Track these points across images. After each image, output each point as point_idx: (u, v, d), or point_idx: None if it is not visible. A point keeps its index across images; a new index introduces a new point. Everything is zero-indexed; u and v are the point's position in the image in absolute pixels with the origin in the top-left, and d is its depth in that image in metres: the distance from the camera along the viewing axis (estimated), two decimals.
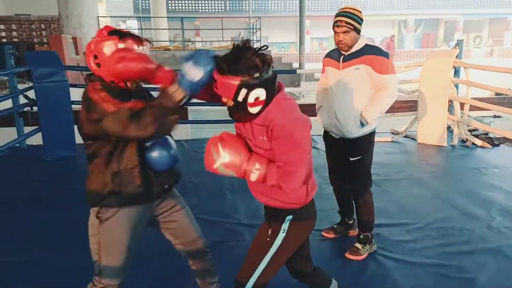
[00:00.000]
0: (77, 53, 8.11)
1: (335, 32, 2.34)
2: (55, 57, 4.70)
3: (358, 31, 2.32)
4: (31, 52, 4.81)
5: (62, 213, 3.26)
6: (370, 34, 30.30)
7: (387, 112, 2.60)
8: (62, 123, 4.70)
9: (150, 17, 20.11)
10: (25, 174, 4.30)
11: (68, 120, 4.78)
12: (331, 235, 2.80)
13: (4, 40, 8.40)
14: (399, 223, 3.02)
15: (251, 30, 13.54)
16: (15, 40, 8.43)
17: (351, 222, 2.79)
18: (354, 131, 2.40)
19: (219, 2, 26.12)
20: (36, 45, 7.87)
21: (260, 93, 1.37)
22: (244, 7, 25.87)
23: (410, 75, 6.14)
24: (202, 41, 20.70)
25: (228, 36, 20.11)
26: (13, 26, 8.71)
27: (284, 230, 1.59)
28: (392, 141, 5.55)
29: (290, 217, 1.60)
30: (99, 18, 9.08)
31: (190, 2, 25.74)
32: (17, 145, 5.05)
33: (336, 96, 2.44)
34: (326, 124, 2.53)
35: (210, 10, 25.76)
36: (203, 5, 25.91)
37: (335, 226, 2.83)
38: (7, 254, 2.64)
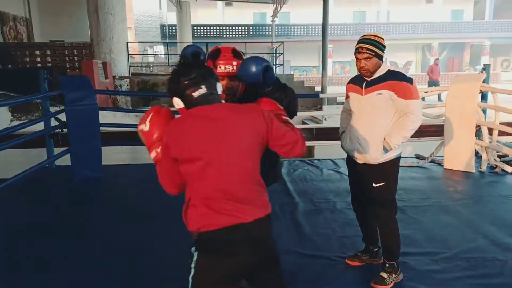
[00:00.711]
0: (106, 77, 8.43)
1: (357, 59, 2.37)
2: (87, 82, 4.90)
3: (380, 57, 2.33)
4: (65, 76, 5.02)
5: (88, 234, 3.33)
6: (394, 58, 30.26)
7: (412, 136, 2.58)
8: (91, 145, 4.85)
9: (176, 42, 20.83)
10: (54, 194, 4.43)
11: (97, 142, 4.93)
12: (356, 263, 2.73)
13: (39, 65, 8.84)
14: (427, 252, 2.92)
15: (274, 54, 13.72)
16: (49, 65, 8.86)
17: (376, 250, 2.72)
18: (377, 157, 2.38)
19: (243, 28, 26.77)
20: (68, 70, 8.23)
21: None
22: (267, 32, 26.42)
23: (434, 99, 6.06)
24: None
25: None
26: (48, 52, 9.16)
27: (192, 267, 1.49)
28: (417, 166, 5.44)
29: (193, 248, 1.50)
30: (128, 43, 9.42)
31: (214, 28, 26.50)
32: (47, 165, 5.23)
33: (359, 121, 2.45)
34: (349, 148, 2.52)
35: (234, 35, 26.40)
36: (228, 30, 26.60)
37: (359, 254, 2.76)
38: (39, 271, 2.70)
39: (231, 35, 26.34)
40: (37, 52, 9.01)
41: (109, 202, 4.21)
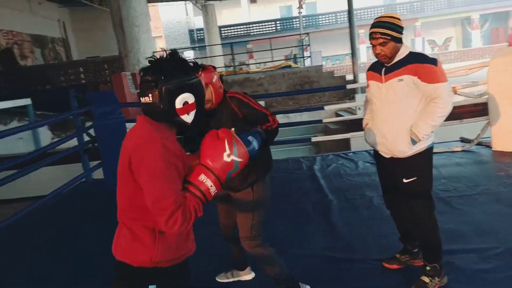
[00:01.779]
0: (136, 88, 8.59)
1: (372, 45, 2.15)
2: (112, 96, 4.96)
3: (397, 40, 2.10)
4: (91, 93, 5.12)
5: None
6: (432, 36, 28.81)
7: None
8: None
9: (205, 46, 21.00)
10: (89, 206, 4.51)
11: None
12: (394, 266, 2.50)
13: (73, 82, 9.18)
14: (476, 248, 2.63)
15: (301, 46, 13.43)
16: (83, 81, 9.16)
17: (416, 250, 2.48)
18: (405, 150, 2.15)
19: (270, 23, 26.53)
20: (101, 84, 8.47)
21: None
22: (295, 25, 26.01)
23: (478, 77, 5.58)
24: (256, 63, 21.04)
25: (281, 54, 20.29)
26: (81, 69, 9.47)
27: None
28: (462, 151, 5.03)
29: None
30: (155, 52, 9.52)
31: (241, 27, 26.47)
32: (84, 179, 5.37)
33: (381, 112, 2.23)
34: (373, 142, 2.31)
35: (262, 32, 26.24)
36: (255, 28, 26.48)
37: (398, 256, 2.53)
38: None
39: (258, 32, 26.19)
40: (70, 71, 9.34)
41: None
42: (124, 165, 1.25)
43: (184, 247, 1.36)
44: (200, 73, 1.36)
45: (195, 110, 1.32)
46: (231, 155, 1.28)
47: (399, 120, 2.16)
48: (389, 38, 2.09)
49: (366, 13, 26.52)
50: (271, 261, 2.13)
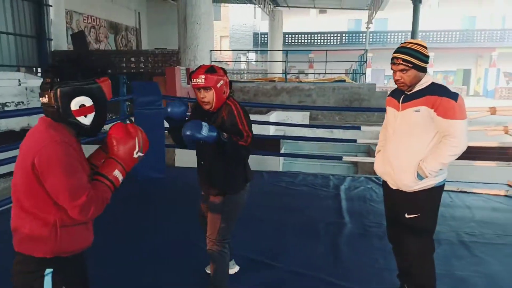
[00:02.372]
0: (188, 83, 8.91)
1: (393, 70, 2.07)
2: (155, 88, 5.19)
3: (420, 69, 2.01)
4: (136, 82, 5.39)
5: (147, 232, 3.48)
6: (508, 68, 26.83)
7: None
8: (155, 147, 5.10)
9: (266, 50, 21.26)
10: (121, 191, 4.75)
11: (161, 145, 5.19)
12: None
13: (133, 70, 9.73)
14: None
15: (360, 62, 13.13)
16: (141, 70, 9.69)
17: None
18: (411, 184, 2.05)
19: (335, 35, 26.21)
20: (155, 75, 8.89)
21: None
22: (361, 40, 25.48)
23: None
24: (315, 73, 20.90)
25: (342, 68, 19.97)
26: (141, 59, 10.01)
27: None
28: (506, 195, 4.64)
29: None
30: (212, 51, 9.83)
31: (305, 35, 26.42)
32: None
33: (393, 140, 2.14)
34: (380, 171, 2.22)
35: (325, 43, 26.01)
36: (319, 38, 26.31)
37: None
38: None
39: (322, 43, 25.98)
40: (132, 59, 9.90)
41: (169, 201, 4.37)
42: (26, 166, 1.30)
43: (84, 240, 1.45)
44: (103, 79, 1.40)
45: (93, 113, 1.38)
46: (138, 152, 1.45)
47: (408, 153, 2.07)
48: (411, 65, 2.01)
49: (439, 36, 25.32)
50: (221, 266, 2.23)
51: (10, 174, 7.93)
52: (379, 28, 26.71)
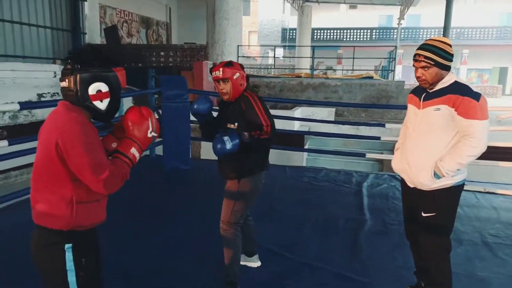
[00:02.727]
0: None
1: (415, 67, 2.07)
2: (183, 82, 5.32)
3: (442, 67, 1.99)
4: (164, 76, 5.54)
5: (169, 222, 3.62)
6: None
7: None
8: (181, 139, 5.25)
9: (294, 46, 21.17)
10: (146, 179, 4.92)
11: (186, 137, 5.33)
12: None
13: (162, 64, 9.95)
14: None
15: (389, 59, 12.88)
16: (170, 64, 9.89)
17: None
18: (427, 183, 2.04)
19: (365, 31, 25.75)
20: (183, 70, 9.06)
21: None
22: (392, 36, 24.93)
23: None
24: (343, 69, 20.64)
25: (371, 64, 19.63)
26: (170, 53, 10.22)
27: None
28: None
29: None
30: (239, 46, 9.92)
31: (334, 31, 26.08)
32: (148, 153, 5.89)
33: (412, 138, 2.14)
34: (398, 168, 2.23)
35: (355, 39, 25.59)
36: (348, 34, 25.91)
37: None
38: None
39: (352, 39, 25.58)
40: (162, 53, 10.12)
41: (192, 193, 4.50)
42: (49, 146, 1.41)
43: (98, 216, 1.56)
44: (119, 68, 1.52)
45: (109, 99, 1.50)
46: (152, 131, 1.56)
47: (427, 151, 2.06)
48: (433, 63, 1.99)
49: (474, 33, 24.41)
50: (232, 250, 2.32)
51: None
52: (411, 24, 26.02)
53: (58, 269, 1.46)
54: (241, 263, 2.71)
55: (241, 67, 2.33)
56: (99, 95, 1.47)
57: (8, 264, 2.71)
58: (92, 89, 1.45)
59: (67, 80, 1.44)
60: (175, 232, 3.37)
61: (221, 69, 2.24)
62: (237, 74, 2.26)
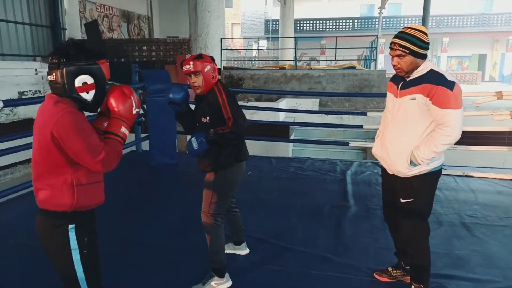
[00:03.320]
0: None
1: (391, 56, 2.14)
2: (166, 76, 5.34)
3: (417, 55, 2.04)
4: (147, 70, 5.54)
5: (160, 214, 3.67)
6: None
7: None
8: (167, 134, 5.28)
9: (276, 37, 21.18)
10: (134, 175, 4.94)
11: (172, 131, 5.36)
12: (384, 279, 2.51)
13: (145, 59, 9.88)
14: (477, 278, 2.53)
15: (371, 48, 13.03)
16: (153, 59, 9.83)
17: (408, 267, 2.46)
18: (404, 171, 2.13)
19: (347, 21, 25.90)
20: (166, 63, 9.02)
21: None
22: (374, 25, 25.12)
23: None
24: (326, 60, 20.76)
25: (354, 54, 19.78)
26: (153, 47, 10.14)
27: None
28: None
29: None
30: (223, 39, 9.90)
31: (317, 22, 26.16)
32: (134, 149, 5.89)
33: (390, 126, 2.22)
34: (377, 155, 2.32)
35: (337, 29, 25.72)
36: (331, 24, 26.02)
37: (390, 269, 2.52)
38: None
39: (334, 29, 25.70)
40: (144, 48, 10.04)
41: (179, 186, 4.55)
42: (44, 138, 1.50)
43: (97, 197, 1.67)
44: (102, 61, 1.60)
45: (94, 90, 1.58)
46: (135, 108, 1.67)
47: (403, 140, 2.13)
48: (407, 51, 2.03)
49: (454, 20, 24.79)
50: (213, 238, 2.38)
51: (29, 160, 8.25)
52: (393, 13, 26.27)
53: (64, 248, 1.57)
54: (230, 251, 2.81)
55: (212, 59, 2.36)
56: (85, 87, 1.54)
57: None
58: (78, 81, 1.53)
59: (54, 73, 1.52)
60: (164, 225, 3.43)
61: (191, 62, 2.26)
62: (208, 67, 2.28)
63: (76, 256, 1.59)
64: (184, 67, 2.29)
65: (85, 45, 1.58)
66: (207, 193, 2.38)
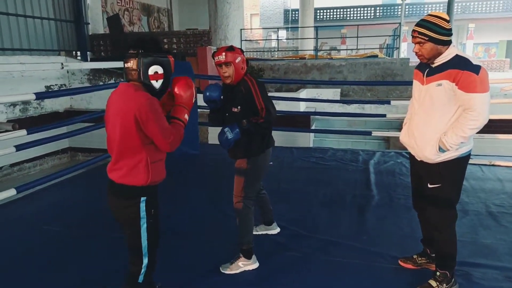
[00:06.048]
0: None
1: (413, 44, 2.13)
2: (188, 67, 5.39)
3: (438, 42, 2.02)
4: None
5: (187, 201, 3.76)
6: None
7: None
8: (189, 125, 5.34)
9: (298, 27, 20.96)
10: None
11: (195, 122, 5.43)
12: (409, 266, 2.51)
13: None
14: (503, 266, 2.51)
15: (393, 36, 12.76)
16: (174, 51, 9.91)
17: (434, 255, 2.45)
18: (432, 157, 2.12)
19: (369, 9, 25.36)
20: (187, 56, 9.08)
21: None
22: (397, 13, 24.52)
23: None
24: (347, 49, 20.47)
25: (376, 43, 19.41)
26: (174, 40, 10.23)
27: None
28: None
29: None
30: (242, 30, 9.90)
31: (337, 10, 25.72)
32: None
33: (417, 114, 2.21)
34: (405, 143, 2.31)
35: (359, 18, 25.23)
36: (352, 12, 25.54)
37: (415, 257, 2.53)
38: None
39: (355, 17, 25.22)
40: (165, 40, 10.14)
41: (202, 176, 4.63)
42: (127, 119, 1.74)
43: (163, 173, 1.95)
44: (170, 56, 1.85)
45: (162, 79, 1.84)
46: (194, 98, 1.98)
47: (431, 127, 2.12)
48: (427, 38, 2.03)
49: (480, 6, 23.92)
50: (244, 220, 2.49)
51: (56, 152, 8.51)
52: (416, 0, 25.56)
53: (136, 218, 1.84)
54: (262, 232, 2.97)
55: (242, 51, 2.47)
56: (156, 76, 1.80)
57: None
58: (151, 70, 1.78)
59: (131, 61, 1.77)
60: (191, 211, 3.51)
61: (223, 53, 2.37)
62: (239, 58, 2.39)
63: (143, 226, 1.85)
64: (216, 58, 2.39)
65: (159, 41, 1.87)
66: (239, 178, 2.49)
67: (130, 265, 1.92)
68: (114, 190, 1.86)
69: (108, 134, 1.85)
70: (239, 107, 2.41)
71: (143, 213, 1.84)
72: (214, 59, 2.41)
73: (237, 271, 2.51)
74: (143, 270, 1.91)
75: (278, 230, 3.03)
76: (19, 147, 3.61)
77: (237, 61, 2.38)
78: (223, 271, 2.51)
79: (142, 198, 1.84)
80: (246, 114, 2.37)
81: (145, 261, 1.90)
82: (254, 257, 2.56)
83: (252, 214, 2.54)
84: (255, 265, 2.55)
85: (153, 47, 1.81)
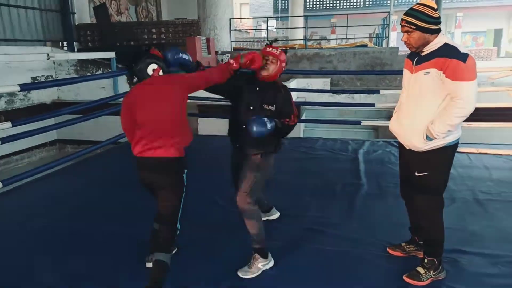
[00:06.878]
0: (209, 53, 8.97)
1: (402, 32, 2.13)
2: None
3: (426, 31, 2.03)
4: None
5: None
6: None
7: None
8: None
9: (287, 16, 20.84)
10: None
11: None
12: (397, 253, 2.55)
13: (154, 41, 9.85)
14: (489, 253, 2.55)
15: (384, 25, 12.77)
16: (163, 41, 9.79)
17: (422, 242, 2.49)
18: (420, 145, 2.14)
19: None
20: (176, 46, 8.99)
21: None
22: (386, 2, 24.48)
23: None
24: (337, 39, 20.44)
25: (366, 32, 19.39)
26: (162, 29, 10.10)
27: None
28: None
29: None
30: (231, 19, 9.82)
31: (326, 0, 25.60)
32: None
33: (406, 102, 2.23)
34: (394, 131, 2.33)
35: (348, 7, 25.15)
36: (341, 2, 25.45)
37: (403, 244, 2.57)
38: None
39: (345, 6, 25.14)
40: (153, 30, 10.00)
41: (194, 167, 4.60)
42: (181, 99, 2.18)
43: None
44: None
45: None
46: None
47: (419, 115, 2.13)
48: (414, 27, 2.03)
49: None
50: (254, 219, 2.41)
51: (44, 144, 8.40)
52: None
53: (181, 185, 2.24)
54: (263, 219, 2.82)
55: (285, 52, 2.50)
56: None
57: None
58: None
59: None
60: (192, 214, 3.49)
61: (279, 50, 2.41)
62: (284, 63, 2.44)
63: (183, 192, 2.25)
64: (270, 48, 2.40)
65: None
66: (250, 174, 2.38)
67: (164, 233, 2.23)
68: (163, 166, 2.15)
69: (150, 119, 2.11)
70: (274, 106, 2.36)
71: (185, 181, 2.25)
72: (267, 49, 2.39)
73: (259, 273, 2.39)
74: (178, 232, 2.33)
75: (278, 214, 3.09)
76: (4, 140, 3.54)
77: (283, 64, 2.41)
78: (243, 277, 2.36)
79: (185, 170, 2.25)
80: (277, 114, 2.34)
81: (179, 225, 2.31)
82: (269, 255, 2.48)
83: (259, 210, 2.52)
84: (272, 263, 2.48)
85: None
